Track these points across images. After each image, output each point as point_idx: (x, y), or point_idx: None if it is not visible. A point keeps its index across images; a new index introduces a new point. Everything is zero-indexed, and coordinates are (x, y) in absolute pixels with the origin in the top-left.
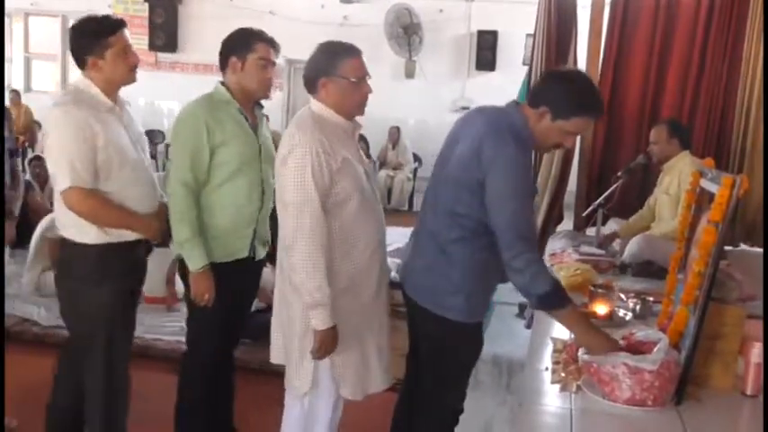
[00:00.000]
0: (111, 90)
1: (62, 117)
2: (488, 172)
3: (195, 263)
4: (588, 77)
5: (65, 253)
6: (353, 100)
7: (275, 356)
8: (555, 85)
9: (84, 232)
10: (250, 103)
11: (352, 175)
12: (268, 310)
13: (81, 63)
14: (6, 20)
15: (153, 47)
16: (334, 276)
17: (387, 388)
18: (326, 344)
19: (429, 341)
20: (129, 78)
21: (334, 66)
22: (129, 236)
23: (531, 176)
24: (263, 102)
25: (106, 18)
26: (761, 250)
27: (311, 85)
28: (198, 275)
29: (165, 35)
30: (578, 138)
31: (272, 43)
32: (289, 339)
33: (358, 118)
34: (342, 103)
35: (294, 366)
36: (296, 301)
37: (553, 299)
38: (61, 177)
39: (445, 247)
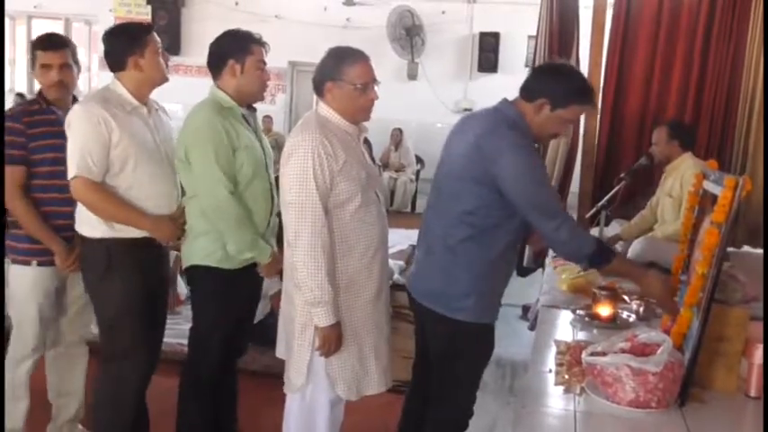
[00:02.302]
0: (143, 91)
1: (81, 112)
2: (495, 164)
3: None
4: (576, 68)
5: (82, 249)
6: (358, 105)
7: (280, 351)
8: (550, 77)
9: (93, 228)
10: (244, 107)
11: (352, 177)
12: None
13: (120, 65)
14: (10, 22)
15: None
16: (333, 275)
17: (384, 391)
18: (330, 341)
19: (440, 344)
20: (165, 77)
21: (340, 71)
22: (135, 233)
23: (537, 157)
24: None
25: (137, 23)
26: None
27: (318, 88)
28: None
29: (168, 38)
30: (581, 139)
31: (263, 44)
32: (289, 335)
33: (365, 122)
34: (347, 108)
35: (292, 361)
36: (297, 297)
37: (601, 257)
38: (70, 166)
39: (454, 248)
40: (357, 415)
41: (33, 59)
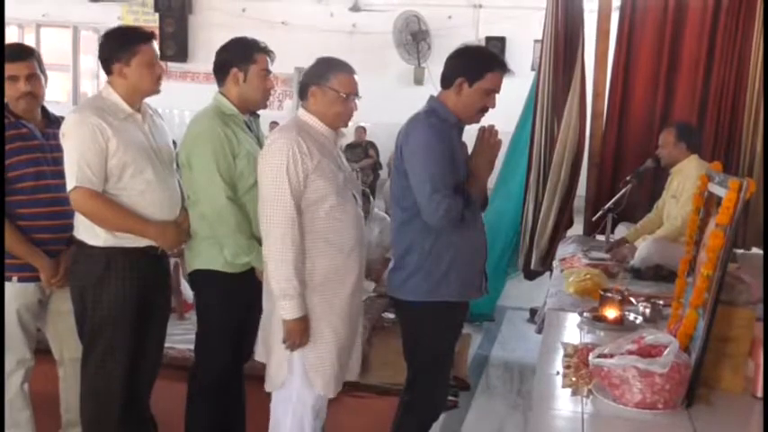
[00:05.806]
0: (133, 98)
1: (77, 121)
2: (404, 143)
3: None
4: (479, 45)
5: (75, 254)
6: (337, 112)
7: (259, 354)
8: (458, 58)
9: (94, 235)
10: (247, 114)
11: (327, 176)
12: None
13: (107, 70)
14: (18, 30)
15: (163, 56)
16: (310, 273)
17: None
18: (294, 334)
19: (401, 329)
20: (153, 89)
21: (326, 77)
22: (139, 241)
23: (442, 138)
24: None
25: (137, 29)
26: None
27: (303, 91)
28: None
29: (176, 45)
30: (587, 141)
31: (269, 53)
32: (267, 332)
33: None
34: (326, 113)
35: (272, 357)
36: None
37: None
38: (69, 177)
39: (395, 233)
40: (357, 416)
41: None
